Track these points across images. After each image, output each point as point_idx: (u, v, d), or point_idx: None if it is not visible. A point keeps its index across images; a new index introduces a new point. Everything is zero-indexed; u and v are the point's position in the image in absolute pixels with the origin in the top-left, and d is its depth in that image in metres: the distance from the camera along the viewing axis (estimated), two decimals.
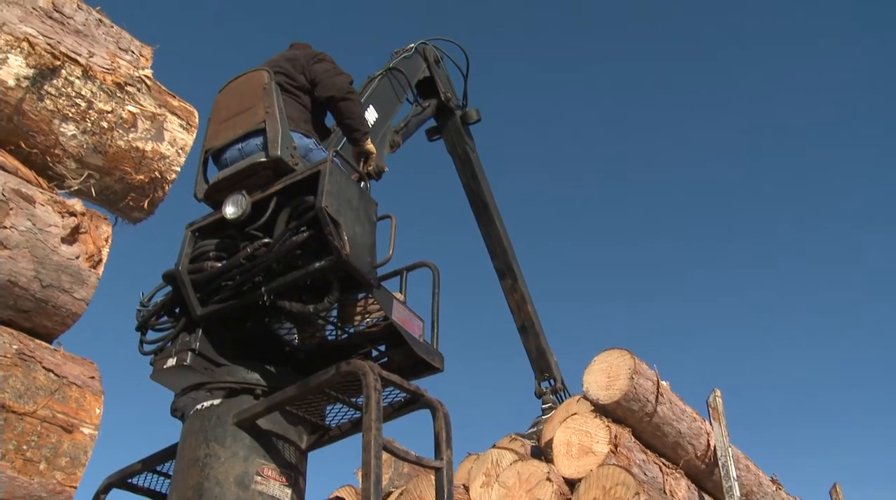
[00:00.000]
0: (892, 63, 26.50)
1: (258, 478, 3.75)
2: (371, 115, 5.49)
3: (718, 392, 6.53)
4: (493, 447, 6.11)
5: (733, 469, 6.17)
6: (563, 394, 7.88)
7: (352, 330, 4.17)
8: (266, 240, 3.78)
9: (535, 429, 7.37)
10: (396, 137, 5.82)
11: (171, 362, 3.91)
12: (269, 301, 3.77)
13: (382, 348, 4.24)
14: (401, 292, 4.46)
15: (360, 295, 4.09)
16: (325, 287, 3.78)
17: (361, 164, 4.67)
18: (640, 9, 28.67)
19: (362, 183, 4.29)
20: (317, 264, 3.67)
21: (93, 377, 2.26)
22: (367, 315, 4.08)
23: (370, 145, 4.68)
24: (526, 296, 7.90)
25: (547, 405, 7.82)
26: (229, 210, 3.86)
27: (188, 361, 3.89)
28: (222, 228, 3.99)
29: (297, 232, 3.70)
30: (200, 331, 3.97)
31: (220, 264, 3.91)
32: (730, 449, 6.28)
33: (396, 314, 3.97)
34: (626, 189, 29.72)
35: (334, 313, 4.19)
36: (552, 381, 8.01)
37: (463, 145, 7.32)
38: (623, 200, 29.46)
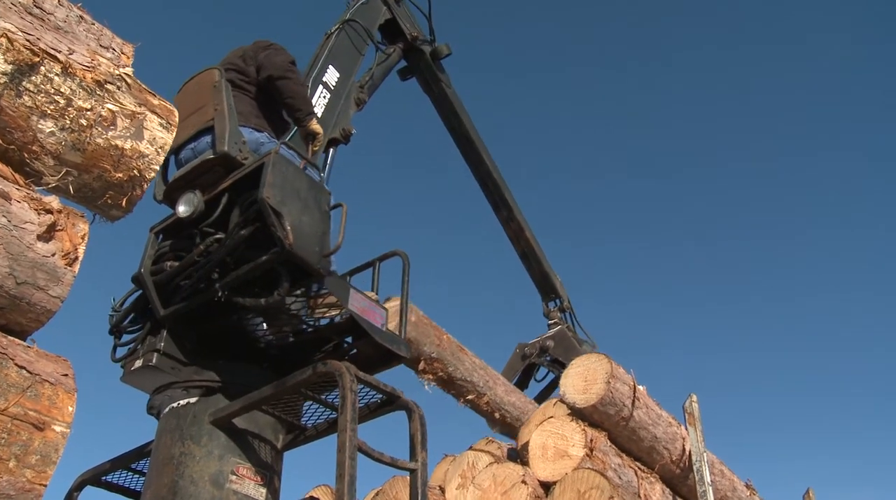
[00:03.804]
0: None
1: (233, 477, 3.76)
2: (332, 75, 5.39)
3: (695, 397, 6.58)
4: (470, 448, 6.12)
5: (707, 474, 6.21)
6: (570, 313, 8.17)
7: (313, 323, 4.17)
8: (218, 236, 3.78)
9: (537, 339, 7.87)
10: (362, 93, 5.68)
11: (138, 363, 3.94)
12: (224, 297, 3.77)
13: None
14: (373, 281, 4.46)
15: (324, 289, 4.08)
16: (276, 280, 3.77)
17: (308, 146, 4.59)
18: None
19: (321, 174, 4.25)
20: (263, 257, 3.66)
21: (66, 375, 2.26)
22: (331, 307, 4.07)
23: (315, 126, 4.59)
24: (522, 224, 7.95)
25: (553, 321, 8.12)
26: (181, 209, 3.88)
27: (154, 361, 3.91)
28: (182, 229, 4.00)
29: (245, 226, 3.70)
30: (165, 331, 3.98)
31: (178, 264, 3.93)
32: (705, 454, 6.32)
33: (354, 303, 3.95)
34: (603, 190, 29.75)
35: (303, 306, 4.19)
36: (558, 300, 8.22)
37: (437, 82, 7.21)
38: (600, 202, 29.49)
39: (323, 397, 4.08)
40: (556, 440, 5.63)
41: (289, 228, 3.59)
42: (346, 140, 5.36)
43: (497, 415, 6.75)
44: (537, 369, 8.19)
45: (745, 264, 28.96)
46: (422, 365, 5.99)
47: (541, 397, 7.90)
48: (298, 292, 4.01)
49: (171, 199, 4.15)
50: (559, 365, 7.86)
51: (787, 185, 28.49)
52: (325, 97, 5.26)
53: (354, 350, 4.20)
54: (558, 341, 8.00)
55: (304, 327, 4.17)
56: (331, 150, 5.33)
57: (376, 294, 4.37)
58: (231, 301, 3.81)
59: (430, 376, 6.13)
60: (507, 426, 6.69)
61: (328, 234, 3.88)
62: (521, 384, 7.99)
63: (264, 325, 4.15)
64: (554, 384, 8.11)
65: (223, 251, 3.73)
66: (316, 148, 4.63)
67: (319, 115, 5.13)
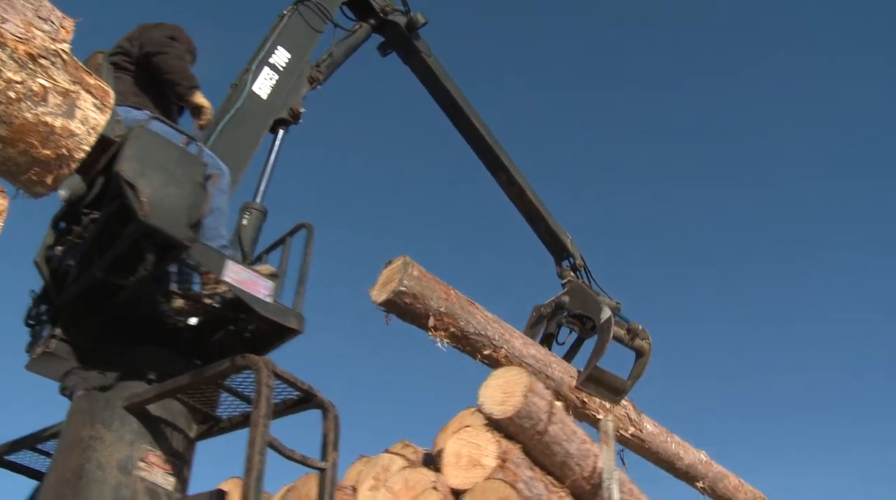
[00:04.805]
0: None
1: (142, 464, 3.72)
2: (281, 56, 5.33)
3: (610, 417, 6.71)
4: (386, 451, 6.16)
5: (616, 493, 6.33)
6: (584, 271, 7.95)
7: (218, 300, 4.12)
8: (94, 215, 3.76)
9: (552, 299, 7.65)
10: (315, 71, 5.62)
11: (39, 350, 3.90)
12: (102, 277, 3.73)
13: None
14: (283, 257, 4.43)
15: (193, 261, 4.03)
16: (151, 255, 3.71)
17: (196, 121, 4.53)
18: None
19: (200, 146, 4.15)
20: (125, 232, 3.61)
21: None
22: (219, 282, 4.01)
23: (199, 99, 4.52)
24: (523, 185, 7.76)
25: (566, 280, 7.88)
26: (61, 193, 3.85)
27: (52, 348, 3.89)
28: (74, 214, 3.98)
29: (111, 203, 3.68)
30: (64, 317, 3.95)
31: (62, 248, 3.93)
32: (615, 473, 6.44)
33: (231, 275, 3.92)
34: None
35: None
36: (571, 259, 8.00)
37: (416, 53, 7.05)
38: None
39: (239, 388, 4.06)
40: (470, 449, 5.70)
41: (144, 199, 3.52)
42: (295, 120, 5.32)
43: None
44: (558, 331, 7.90)
45: (704, 283, 29.38)
46: (432, 322, 5.86)
47: (568, 357, 7.71)
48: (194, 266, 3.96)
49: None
50: (579, 320, 7.72)
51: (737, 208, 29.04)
52: (271, 79, 5.19)
53: (253, 326, 4.15)
54: (574, 295, 7.73)
55: (202, 305, 4.11)
56: (280, 131, 5.31)
57: (272, 267, 4.33)
58: (110, 282, 3.77)
59: (443, 333, 5.99)
60: None
61: (202, 206, 3.81)
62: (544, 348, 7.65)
63: (170, 306, 4.10)
64: (579, 343, 7.93)
65: (94, 231, 3.71)
66: (203, 122, 4.56)
67: (265, 97, 5.10)
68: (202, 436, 4.21)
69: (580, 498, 6.64)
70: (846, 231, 27.98)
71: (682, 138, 29.58)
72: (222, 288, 3.98)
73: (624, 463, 7.40)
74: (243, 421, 4.19)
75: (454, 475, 5.63)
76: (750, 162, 28.52)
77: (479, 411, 5.98)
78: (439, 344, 6.04)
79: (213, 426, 4.25)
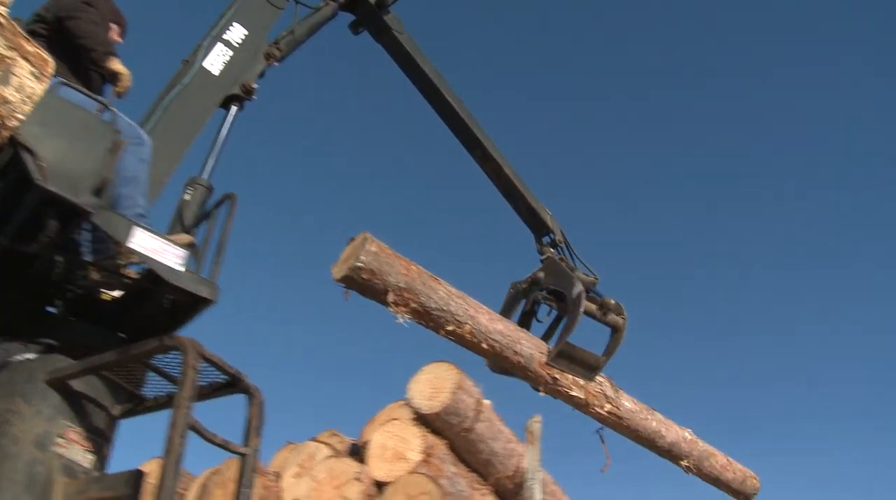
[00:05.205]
0: None
1: (60, 440, 3.65)
2: (237, 32, 5.27)
3: (538, 418, 6.77)
4: (312, 439, 6.17)
5: (539, 493, 6.42)
6: (564, 247, 7.73)
7: (141, 272, 4.04)
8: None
9: (528, 276, 7.36)
10: (273, 48, 5.54)
11: None
12: (7, 244, 3.65)
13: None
14: (209, 229, 4.34)
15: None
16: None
17: (113, 87, 4.42)
18: None
19: (114, 111, 4.05)
20: (25, 198, 3.52)
21: None
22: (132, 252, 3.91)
23: (115, 65, 4.40)
24: (500, 161, 7.59)
25: (545, 257, 7.63)
26: None
27: None
28: None
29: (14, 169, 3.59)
30: None
31: None
32: (539, 473, 6.53)
33: (139, 242, 3.80)
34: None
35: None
36: (551, 235, 7.77)
37: (387, 30, 6.90)
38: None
39: (166, 368, 4.02)
40: (396, 442, 5.74)
41: (43, 164, 3.42)
42: (247, 95, 5.25)
43: (485, 346, 6.25)
44: (538, 308, 7.58)
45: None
46: (391, 297, 5.73)
47: (547, 336, 7.37)
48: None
49: None
50: (556, 297, 7.47)
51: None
52: (224, 55, 5.12)
53: (170, 297, 4.08)
54: (548, 271, 7.47)
55: (119, 276, 4.04)
56: (232, 107, 5.24)
57: (190, 237, 4.25)
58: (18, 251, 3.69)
59: (404, 309, 5.84)
60: (500, 358, 6.29)
61: (106, 172, 3.70)
62: (524, 326, 7.32)
63: (90, 278, 4.03)
64: (558, 320, 7.58)
65: None
66: (121, 89, 4.43)
67: (216, 73, 5.03)
68: (125, 415, 4.15)
69: (503, 497, 6.73)
70: (847, 230, 28.42)
71: (681, 139, 29.86)
72: (134, 258, 3.90)
73: (603, 441, 7.31)
74: (168, 402, 4.14)
75: (378, 468, 5.66)
76: (750, 164, 28.87)
77: (408, 405, 6.02)
78: (400, 320, 5.92)
79: (137, 405, 4.19)
